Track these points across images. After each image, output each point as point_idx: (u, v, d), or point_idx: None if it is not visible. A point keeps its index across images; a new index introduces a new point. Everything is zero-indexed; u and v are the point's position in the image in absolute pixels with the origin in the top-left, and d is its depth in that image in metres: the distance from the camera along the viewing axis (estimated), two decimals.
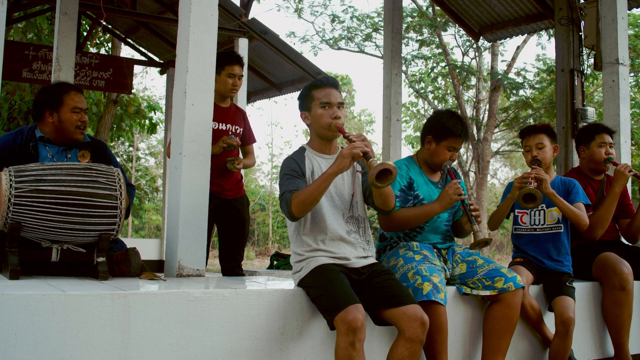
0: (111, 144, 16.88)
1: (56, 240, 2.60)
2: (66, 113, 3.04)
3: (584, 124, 6.49)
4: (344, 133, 2.59)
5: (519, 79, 16.61)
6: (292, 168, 2.61)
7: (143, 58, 10.89)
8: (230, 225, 3.97)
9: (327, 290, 2.39)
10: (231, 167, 3.82)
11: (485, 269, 2.93)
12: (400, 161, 3.20)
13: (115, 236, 2.69)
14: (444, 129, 3.05)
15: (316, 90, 2.68)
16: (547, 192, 3.29)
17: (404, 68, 17.84)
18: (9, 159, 2.83)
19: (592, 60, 6.32)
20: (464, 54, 17.77)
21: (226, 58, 3.86)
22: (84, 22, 11.12)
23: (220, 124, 3.87)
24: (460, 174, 17.43)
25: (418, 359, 2.43)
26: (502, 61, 17.14)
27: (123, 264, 2.87)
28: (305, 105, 2.71)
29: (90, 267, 2.71)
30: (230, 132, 3.93)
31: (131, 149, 23.33)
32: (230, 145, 3.76)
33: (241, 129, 4.01)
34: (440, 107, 18.84)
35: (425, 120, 3.25)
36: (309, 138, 2.82)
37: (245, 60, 8.41)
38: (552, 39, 14.05)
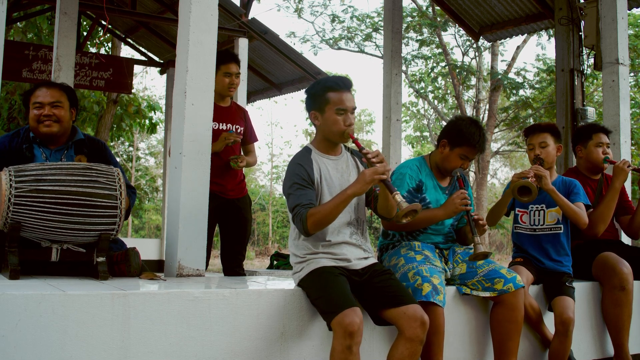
0: (111, 144, 16.88)
1: (56, 240, 2.60)
2: (31, 111, 3.02)
3: (583, 124, 6.49)
4: (359, 147, 2.54)
5: (519, 79, 16.63)
6: (301, 176, 2.52)
7: (143, 58, 10.90)
8: (232, 225, 3.97)
9: (325, 293, 2.38)
10: (234, 165, 3.81)
11: (485, 269, 2.93)
12: (412, 161, 3.15)
13: (115, 236, 2.69)
14: (460, 135, 2.99)
15: (333, 92, 2.57)
16: (547, 188, 3.29)
17: (404, 68, 17.85)
18: (5, 161, 2.82)
19: (592, 60, 6.32)
20: (464, 54, 17.78)
21: (221, 57, 3.82)
22: (84, 22, 11.12)
23: (221, 124, 3.86)
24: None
25: (418, 359, 2.43)
26: (502, 61, 17.19)
27: (123, 264, 2.87)
28: (318, 105, 2.60)
29: (90, 267, 2.71)
30: (231, 132, 3.92)
31: (131, 149, 23.33)
32: (235, 141, 3.76)
33: (242, 128, 4.00)
34: (440, 107, 18.87)
35: (445, 123, 3.18)
36: (310, 138, 2.80)
37: (245, 60, 8.43)
38: (552, 39, 14.05)
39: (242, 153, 4.10)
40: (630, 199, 4.03)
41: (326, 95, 2.57)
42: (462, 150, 3.00)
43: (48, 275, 2.72)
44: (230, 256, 4.01)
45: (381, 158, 2.44)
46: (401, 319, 2.39)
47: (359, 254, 2.63)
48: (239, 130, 3.97)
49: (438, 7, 12.01)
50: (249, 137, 4.09)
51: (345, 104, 2.56)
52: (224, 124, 3.89)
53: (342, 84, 2.60)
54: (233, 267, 3.99)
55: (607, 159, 3.86)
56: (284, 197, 2.63)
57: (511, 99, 17.23)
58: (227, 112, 3.93)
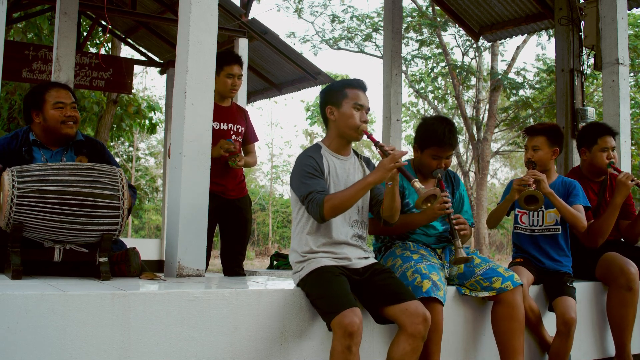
0: (111, 144, 16.87)
1: (58, 240, 2.60)
2: (49, 110, 3.01)
3: (584, 124, 6.49)
4: (375, 141, 2.56)
5: (519, 79, 16.63)
6: (313, 167, 2.56)
7: (143, 58, 10.90)
8: (233, 225, 3.97)
9: (325, 293, 2.39)
10: (232, 164, 3.80)
11: (483, 268, 2.93)
12: None
13: (117, 236, 2.69)
14: (427, 136, 3.00)
15: (350, 89, 2.65)
16: (545, 191, 3.29)
17: (404, 68, 17.84)
18: (4, 163, 2.82)
19: (592, 60, 6.32)
20: (464, 54, 17.78)
21: (225, 58, 3.84)
22: (84, 22, 11.12)
23: (221, 124, 3.86)
24: (460, 174, 17.42)
25: (419, 356, 2.43)
26: (502, 61, 17.18)
27: (123, 264, 2.87)
28: (335, 100, 2.65)
29: (93, 267, 2.71)
30: (231, 132, 3.92)
31: (131, 149, 23.33)
32: (228, 150, 3.74)
33: (242, 128, 4.01)
34: (440, 107, 18.88)
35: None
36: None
37: (245, 60, 8.43)
38: (552, 39, 14.05)
39: (242, 153, 4.10)
40: (633, 202, 3.95)
41: (344, 90, 2.65)
42: (431, 150, 3.00)
43: (50, 276, 2.72)
44: (230, 256, 4.01)
45: (395, 149, 2.49)
46: (403, 315, 2.39)
47: (359, 253, 2.64)
48: (239, 130, 3.98)
49: (438, 7, 12.01)
50: (249, 137, 4.09)
51: (363, 100, 2.64)
52: (225, 124, 3.89)
53: (361, 83, 2.70)
54: (233, 267, 3.99)
55: (612, 164, 3.78)
56: (292, 189, 2.63)
57: (511, 99, 17.22)
58: (227, 112, 3.94)
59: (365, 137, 2.66)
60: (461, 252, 2.76)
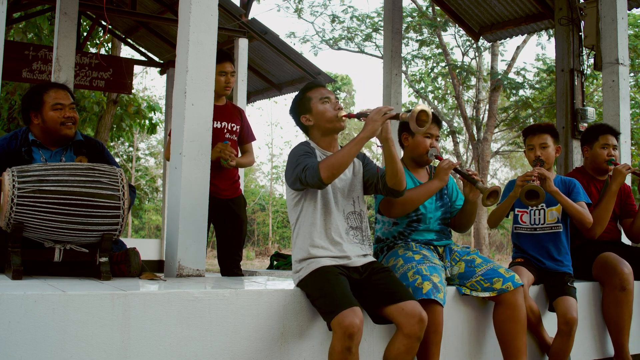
0: (111, 144, 16.88)
1: (59, 240, 2.60)
2: (48, 112, 3.01)
3: (584, 124, 6.50)
4: (354, 115, 2.60)
5: (519, 79, 16.63)
6: (306, 150, 2.62)
7: (143, 58, 10.90)
8: (228, 226, 3.94)
9: (325, 293, 2.39)
10: (224, 163, 3.76)
11: (484, 268, 2.94)
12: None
13: (117, 236, 2.69)
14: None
15: (310, 91, 2.72)
16: (551, 190, 3.29)
17: (404, 68, 17.84)
18: (4, 163, 2.82)
19: (592, 60, 6.33)
20: (464, 54, 17.78)
21: (216, 56, 3.82)
22: (84, 22, 11.12)
23: (215, 122, 3.82)
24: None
25: (414, 356, 2.43)
26: (502, 61, 17.18)
27: (123, 264, 2.87)
28: (304, 108, 2.71)
29: (93, 267, 2.71)
30: (225, 130, 3.89)
31: (131, 149, 23.33)
32: (229, 153, 3.71)
33: (237, 127, 3.98)
34: (440, 107, 18.88)
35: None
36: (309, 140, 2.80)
37: (245, 60, 8.44)
38: (552, 39, 14.05)
39: (239, 153, 4.07)
40: (634, 202, 3.99)
41: (306, 95, 2.72)
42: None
43: (51, 276, 2.72)
44: (227, 257, 3.99)
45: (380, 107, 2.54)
46: (399, 315, 2.40)
47: (358, 251, 2.63)
48: (234, 129, 3.96)
49: (438, 7, 12.01)
50: (246, 136, 4.07)
51: (325, 93, 2.71)
52: (219, 122, 3.86)
53: (317, 83, 2.79)
54: (231, 267, 3.97)
55: (612, 161, 3.83)
56: (287, 182, 2.62)
57: (511, 99, 17.23)
58: (222, 110, 3.91)
59: (348, 119, 2.68)
60: (486, 187, 2.83)
